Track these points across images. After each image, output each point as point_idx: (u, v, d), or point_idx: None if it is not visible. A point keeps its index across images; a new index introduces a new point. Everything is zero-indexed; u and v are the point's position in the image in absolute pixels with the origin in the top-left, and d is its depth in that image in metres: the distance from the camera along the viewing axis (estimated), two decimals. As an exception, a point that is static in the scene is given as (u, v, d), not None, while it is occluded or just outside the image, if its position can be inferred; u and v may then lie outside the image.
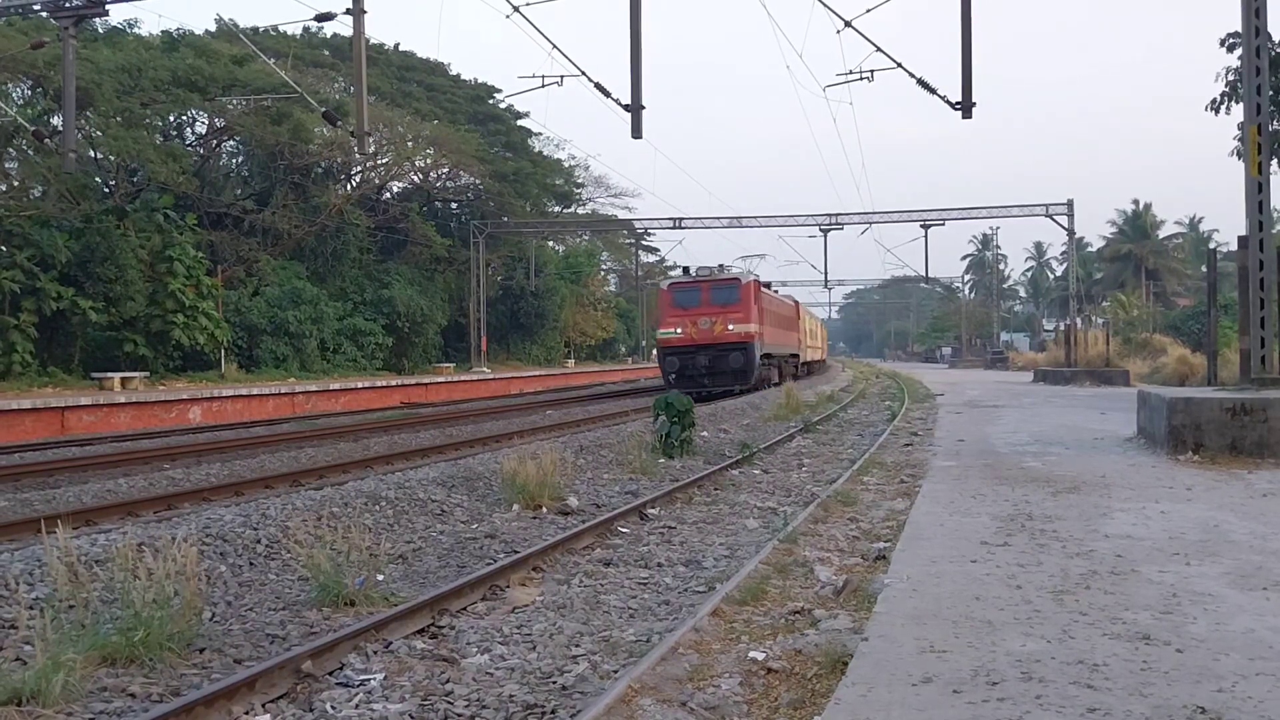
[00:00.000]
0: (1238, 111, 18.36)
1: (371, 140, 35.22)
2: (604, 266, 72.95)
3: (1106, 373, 34.52)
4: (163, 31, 39.97)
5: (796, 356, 39.90)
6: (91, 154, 34.34)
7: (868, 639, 4.51)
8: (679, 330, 27.57)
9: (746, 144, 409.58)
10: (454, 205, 54.22)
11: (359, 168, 45.95)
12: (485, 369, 44.55)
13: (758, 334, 28.08)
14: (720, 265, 30.40)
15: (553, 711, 4.35)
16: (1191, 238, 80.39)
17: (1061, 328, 53.44)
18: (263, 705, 4.48)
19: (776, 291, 38.35)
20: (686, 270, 30.18)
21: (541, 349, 55.67)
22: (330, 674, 4.89)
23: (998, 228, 77.87)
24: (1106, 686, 3.80)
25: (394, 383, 35.02)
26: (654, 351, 42.91)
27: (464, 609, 6.09)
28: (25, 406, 21.47)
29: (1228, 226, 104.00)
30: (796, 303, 41.98)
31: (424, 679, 4.84)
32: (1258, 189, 12.22)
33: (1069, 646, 4.31)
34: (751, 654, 4.82)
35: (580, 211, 63.17)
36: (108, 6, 19.77)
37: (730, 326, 27.26)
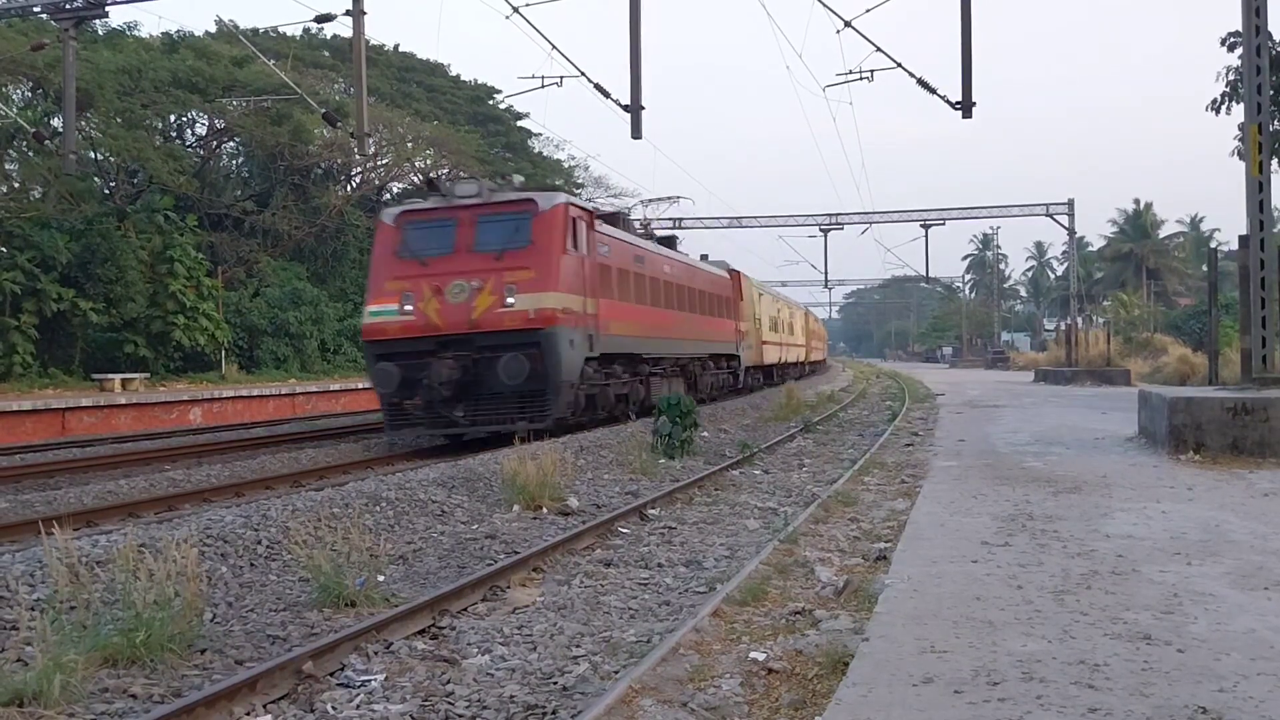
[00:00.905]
0: (1238, 111, 18.35)
1: (371, 141, 35.31)
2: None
3: (1107, 372, 34.53)
4: (163, 33, 40.04)
5: (733, 359, 26.97)
6: (92, 155, 34.37)
7: (868, 639, 4.50)
8: (406, 308, 14.69)
9: (746, 144, 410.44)
10: (454, 206, 54.16)
11: (359, 169, 45.96)
12: (486, 369, 44.42)
13: (575, 313, 14.98)
14: (500, 176, 17.95)
15: (553, 712, 4.35)
16: (1192, 237, 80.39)
17: (1062, 327, 53.45)
18: (264, 706, 4.48)
19: (706, 258, 26.88)
20: (431, 184, 17.38)
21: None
22: (331, 674, 4.89)
23: (998, 227, 78.05)
24: (1107, 686, 3.80)
25: (394, 383, 34.90)
26: None
27: (464, 609, 6.09)
28: (26, 408, 21.48)
29: (1229, 226, 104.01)
30: (736, 274, 28.62)
31: (425, 679, 4.84)
32: (1258, 188, 12.22)
33: (1070, 646, 4.30)
34: (752, 654, 4.82)
35: (580, 212, 63.12)
36: (108, 8, 19.80)
37: (510, 299, 14.31)
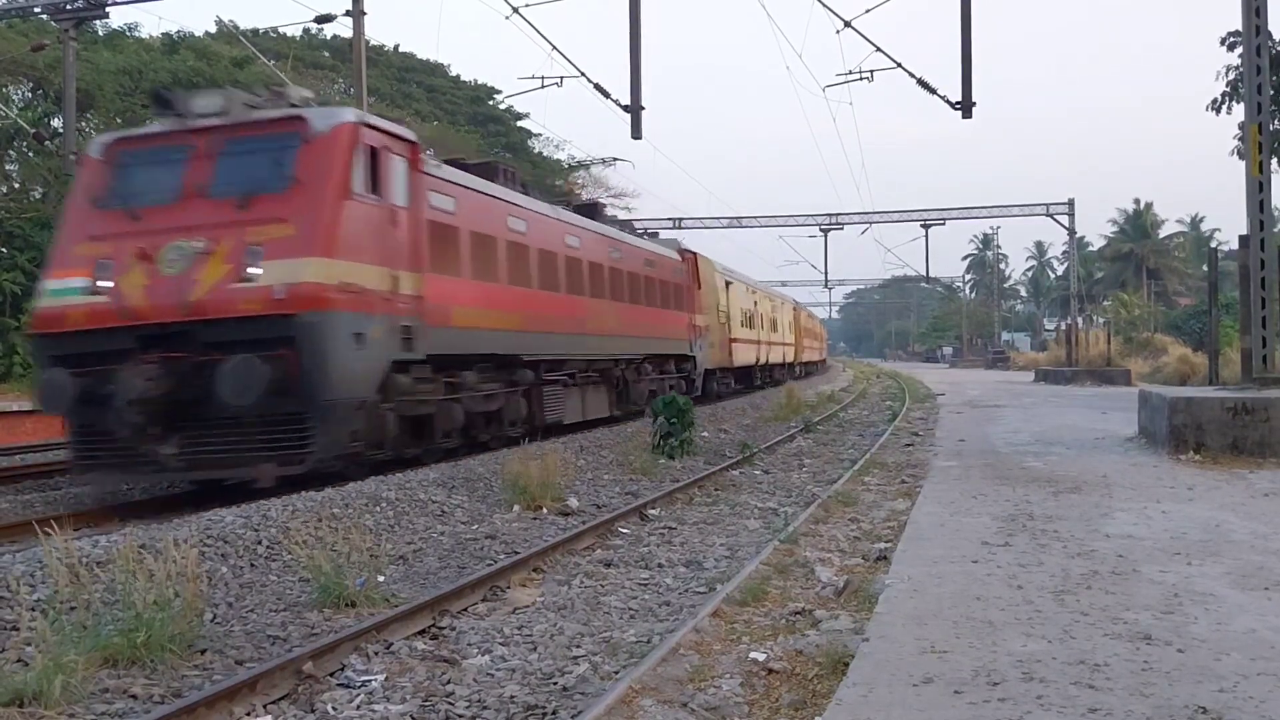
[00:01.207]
0: (1238, 111, 18.34)
1: (372, 141, 35.19)
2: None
3: (1107, 372, 34.55)
4: (163, 34, 39.94)
5: (686, 361, 22.29)
6: (92, 155, 34.35)
7: (868, 639, 4.51)
8: (100, 283, 9.69)
9: (746, 144, 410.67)
10: (454, 206, 54.15)
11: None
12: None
13: (369, 292, 10.08)
14: (269, 86, 12.10)
15: (554, 712, 4.35)
16: (1193, 237, 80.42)
17: (1062, 327, 53.50)
18: (264, 706, 4.48)
19: (656, 235, 22.91)
20: (160, 99, 11.19)
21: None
22: (331, 675, 4.89)
23: (998, 227, 78.02)
24: (1108, 687, 3.80)
25: (395, 384, 34.79)
26: None
27: (464, 610, 6.09)
28: (26, 408, 21.47)
29: (1229, 226, 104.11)
30: (691, 255, 23.88)
31: (425, 680, 4.84)
32: (1258, 188, 12.22)
33: (1070, 647, 4.30)
34: (752, 655, 4.83)
35: (580, 212, 63.00)
36: (108, 9, 19.81)
37: (253, 269, 9.39)
